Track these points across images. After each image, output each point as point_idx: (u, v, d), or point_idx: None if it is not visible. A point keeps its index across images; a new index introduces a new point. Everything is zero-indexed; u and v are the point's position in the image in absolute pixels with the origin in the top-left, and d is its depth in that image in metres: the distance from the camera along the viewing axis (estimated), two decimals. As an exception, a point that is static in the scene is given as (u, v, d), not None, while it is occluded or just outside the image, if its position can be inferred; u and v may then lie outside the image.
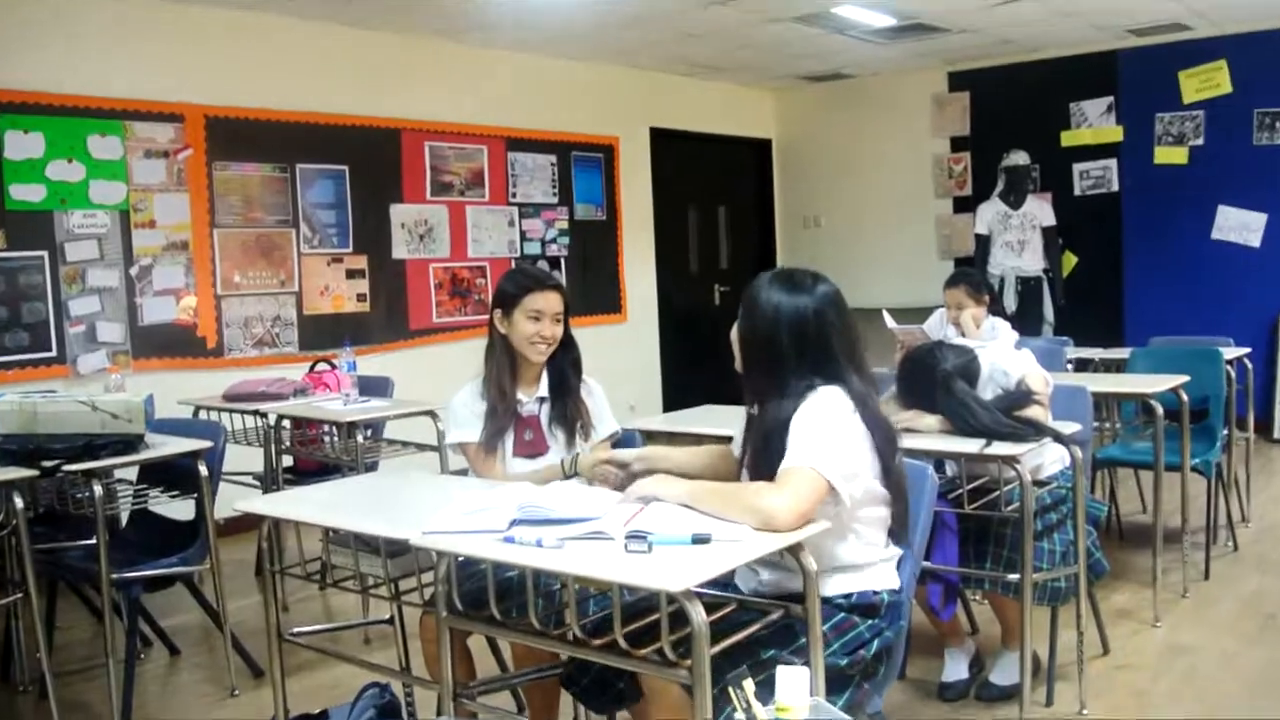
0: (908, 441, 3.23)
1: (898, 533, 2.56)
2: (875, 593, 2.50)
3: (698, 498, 2.37)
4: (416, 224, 7.18)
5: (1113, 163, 8.28)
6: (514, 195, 7.80)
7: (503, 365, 3.20)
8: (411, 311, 7.16)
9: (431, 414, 4.51)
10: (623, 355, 8.49)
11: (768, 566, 2.53)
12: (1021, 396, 3.36)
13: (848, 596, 2.50)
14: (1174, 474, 4.48)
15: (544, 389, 3.25)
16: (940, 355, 3.41)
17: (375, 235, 6.97)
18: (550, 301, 3.19)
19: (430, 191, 7.27)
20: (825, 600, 2.46)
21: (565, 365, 3.26)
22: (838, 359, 2.46)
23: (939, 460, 3.68)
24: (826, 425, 2.37)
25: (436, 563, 2.47)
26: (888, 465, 2.48)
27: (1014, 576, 3.31)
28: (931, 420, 3.36)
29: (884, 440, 2.46)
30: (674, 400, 8.71)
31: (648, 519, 2.31)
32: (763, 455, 2.44)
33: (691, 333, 9.15)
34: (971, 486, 3.27)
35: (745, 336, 2.52)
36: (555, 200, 8.09)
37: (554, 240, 8.08)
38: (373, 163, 6.95)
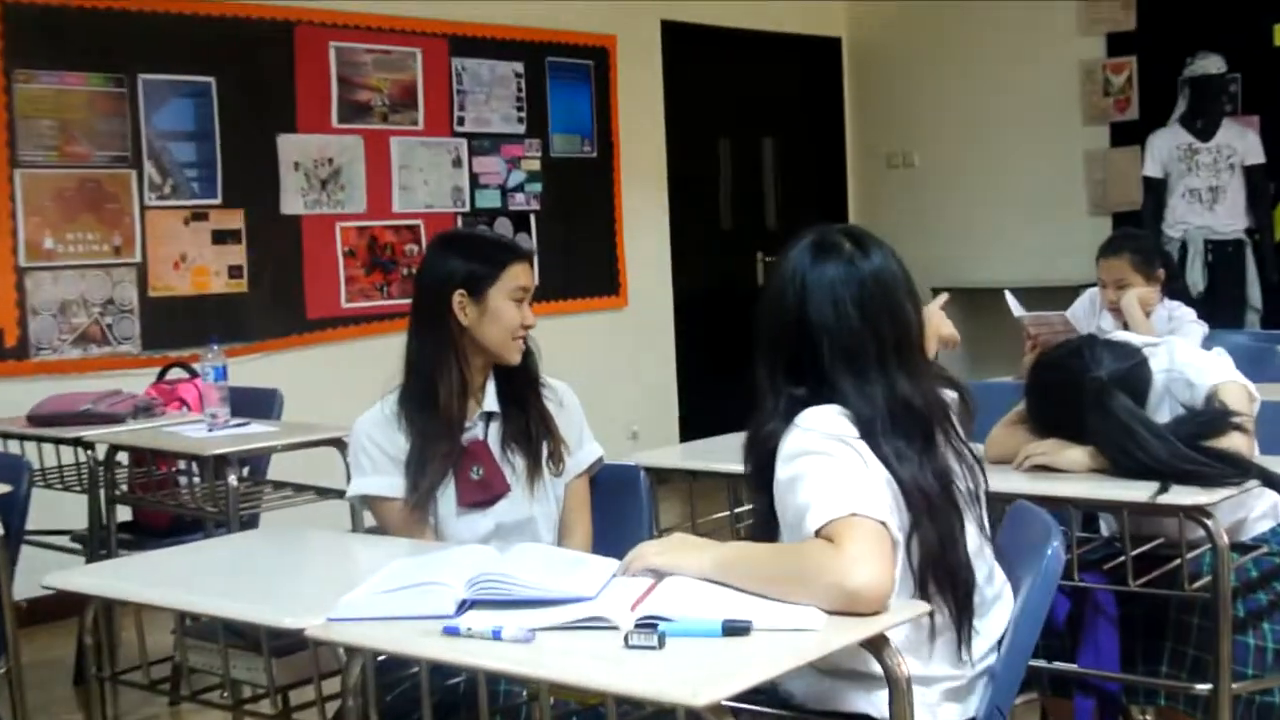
0: (1036, 485, 3.24)
1: (962, 642, 2.57)
2: None
3: (729, 567, 2.39)
4: (317, 164, 7.19)
5: (1353, 69, 8.29)
6: (461, 121, 7.82)
7: (457, 378, 3.23)
8: (310, 293, 7.16)
9: (339, 444, 4.50)
10: (620, 357, 8.50)
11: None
12: (1215, 419, 3.35)
13: None
14: None
15: (491, 401, 3.27)
16: (1091, 357, 3.41)
17: (255, 180, 6.98)
18: (530, 276, 3.27)
19: (338, 116, 7.28)
20: None
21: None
22: (866, 363, 2.53)
23: (1089, 513, 3.68)
24: (835, 461, 2.42)
25: (346, 664, 2.47)
26: (937, 536, 2.50)
27: (1204, 687, 3.30)
28: (1076, 454, 3.35)
29: (918, 493, 2.48)
30: (697, 422, 8.69)
31: (662, 599, 2.32)
32: (757, 495, 2.52)
33: (722, 323, 9.15)
34: (1138, 552, 3.26)
35: (755, 319, 2.62)
36: (522, 129, 8.10)
37: (520, 188, 8.09)
38: (252, 73, 6.95)
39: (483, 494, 3.23)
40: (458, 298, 3.21)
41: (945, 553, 2.51)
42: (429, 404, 3.21)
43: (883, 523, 2.35)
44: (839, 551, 2.30)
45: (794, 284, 2.58)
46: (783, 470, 2.46)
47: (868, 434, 2.48)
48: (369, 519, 4.05)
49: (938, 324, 3.22)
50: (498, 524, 3.25)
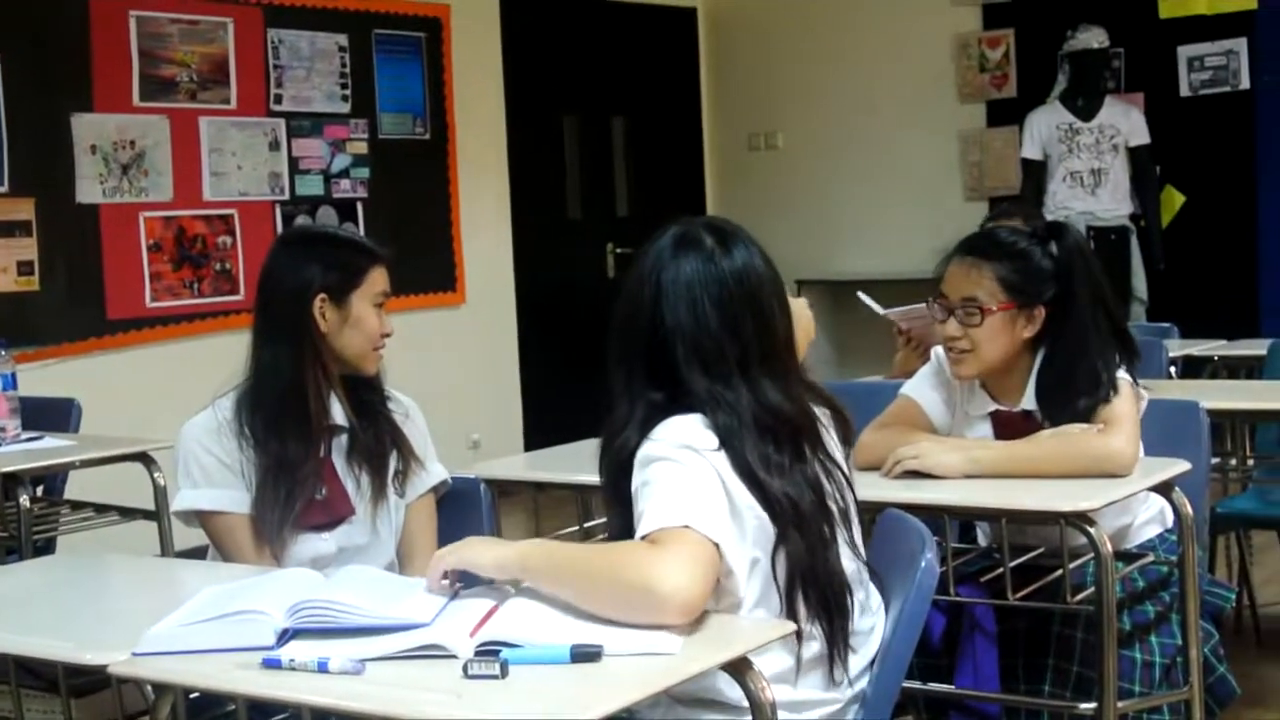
0: (908, 492, 3.29)
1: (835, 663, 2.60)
2: None
3: (528, 562, 2.42)
4: (117, 147, 7.09)
5: (1242, 45, 8.49)
6: (279, 99, 7.76)
7: (321, 388, 3.23)
8: (110, 291, 7.07)
9: (146, 459, 4.46)
10: (458, 360, 8.48)
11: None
12: (1094, 406, 3.45)
13: None
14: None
15: (339, 414, 3.28)
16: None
17: (47, 165, 6.87)
18: (388, 280, 3.32)
19: (139, 94, 7.19)
20: None
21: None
22: (727, 368, 2.56)
23: (966, 522, 3.74)
24: (683, 472, 2.45)
25: (154, 704, 2.44)
26: (806, 547, 2.53)
27: (1088, 706, 3.36)
28: (950, 458, 3.41)
29: (786, 501, 2.52)
30: (542, 431, 8.69)
31: (504, 623, 2.32)
32: (612, 506, 2.55)
33: (570, 323, 9.17)
34: (1018, 563, 3.31)
35: (610, 319, 2.64)
36: (347, 108, 8.06)
37: (345, 173, 8.05)
38: (41, 45, 6.84)
39: (325, 515, 3.23)
40: (319, 303, 3.21)
41: (815, 564, 2.54)
42: (285, 418, 3.21)
43: (716, 544, 2.37)
44: (657, 554, 2.33)
45: (650, 282, 2.60)
46: (635, 479, 2.48)
47: (728, 443, 2.50)
48: (180, 541, 4.01)
49: (807, 325, 3.27)
50: (339, 547, 3.25)
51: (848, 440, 2.79)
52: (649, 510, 2.40)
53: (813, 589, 2.54)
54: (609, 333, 2.65)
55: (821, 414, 2.72)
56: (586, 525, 3.71)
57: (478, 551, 2.47)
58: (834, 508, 2.61)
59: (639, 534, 2.39)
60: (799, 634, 2.51)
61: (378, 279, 3.29)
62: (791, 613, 2.52)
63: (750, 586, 2.50)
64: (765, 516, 2.50)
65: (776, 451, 2.54)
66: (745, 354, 2.57)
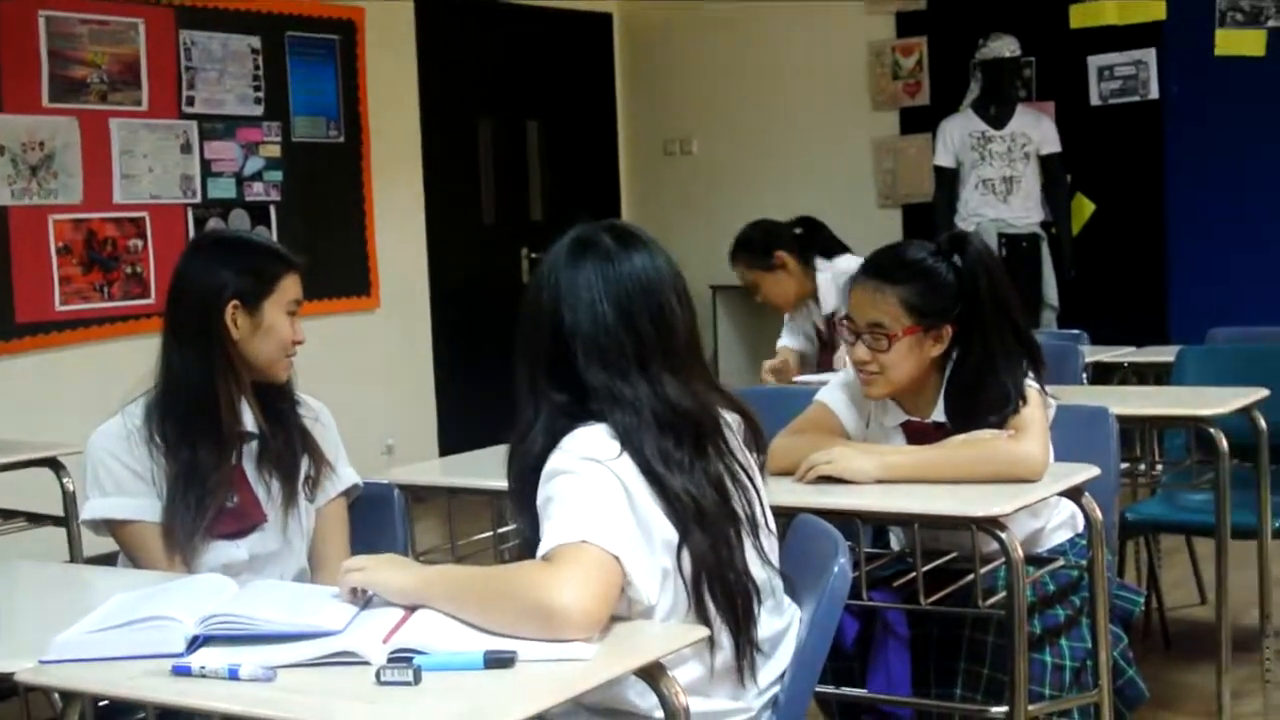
0: (821, 497, 3.30)
1: (743, 666, 2.62)
2: None
3: (433, 586, 2.43)
4: (26, 148, 7.03)
5: (1150, 55, 8.58)
6: (191, 101, 7.70)
7: (231, 395, 3.22)
8: (18, 294, 7.00)
9: (54, 464, 4.44)
10: (372, 364, 8.45)
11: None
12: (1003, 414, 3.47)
13: None
14: (1247, 542, 4.60)
15: (249, 420, 3.26)
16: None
17: (-46, 167, 6.80)
18: (301, 288, 3.31)
19: (49, 94, 7.12)
20: None
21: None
22: (625, 365, 2.58)
23: (879, 526, 3.76)
24: (584, 485, 2.47)
25: (62, 712, 2.42)
26: (709, 544, 2.55)
27: (999, 710, 3.38)
28: (863, 463, 3.43)
29: (686, 498, 2.53)
30: (457, 435, 8.68)
31: (417, 630, 2.32)
32: (521, 514, 2.56)
33: (484, 327, 9.15)
34: (930, 568, 3.33)
35: (515, 323, 2.67)
36: (260, 111, 8.02)
37: (258, 176, 8.01)
38: (-51, 45, 6.77)
39: (237, 524, 3.22)
40: (231, 309, 3.19)
41: (720, 563, 2.55)
42: (194, 424, 3.19)
43: (616, 557, 2.38)
44: (552, 571, 2.35)
45: (549, 284, 2.63)
46: (540, 494, 2.50)
47: (629, 442, 2.52)
48: (90, 548, 3.98)
49: None
50: (251, 554, 3.24)
51: (760, 447, 2.81)
52: (548, 528, 2.43)
53: (719, 588, 2.55)
54: (514, 337, 2.67)
55: (732, 419, 2.73)
56: (501, 531, 3.70)
57: (384, 576, 2.47)
58: (740, 511, 2.63)
59: (540, 553, 2.41)
60: (710, 642, 2.52)
61: (290, 287, 3.27)
62: (701, 614, 2.53)
63: (662, 598, 2.51)
64: (664, 524, 2.51)
65: (677, 448, 2.55)
66: (643, 351, 2.59)
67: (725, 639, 2.56)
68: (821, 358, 5.79)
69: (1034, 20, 8.66)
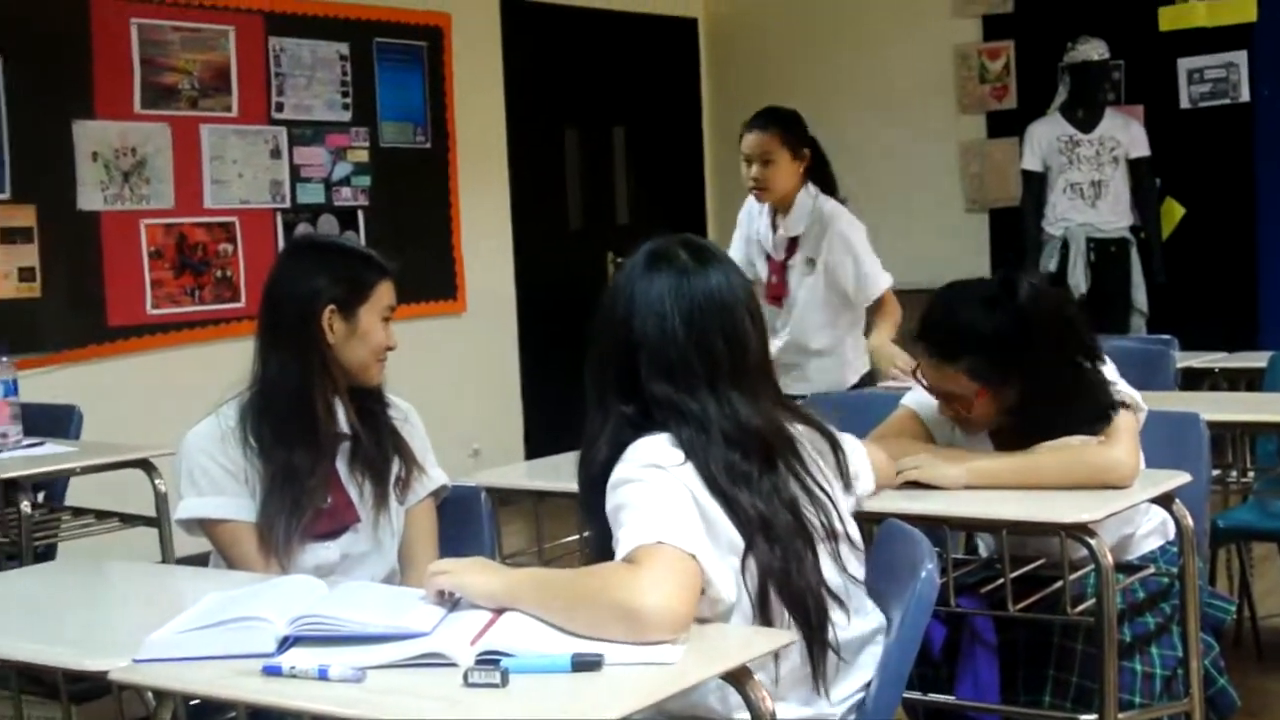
0: (908, 503, 3.29)
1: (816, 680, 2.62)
2: None
3: (517, 593, 2.43)
4: (118, 154, 7.10)
5: (1241, 57, 8.50)
6: (280, 108, 7.76)
7: (327, 398, 3.24)
8: (111, 298, 7.07)
9: (147, 465, 4.46)
10: (459, 368, 8.48)
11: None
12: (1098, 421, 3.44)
13: None
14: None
15: (343, 423, 3.28)
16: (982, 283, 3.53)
17: (48, 172, 6.87)
18: (394, 294, 3.34)
19: (141, 101, 7.19)
20: None
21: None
22: (694, 381, 2.59)
23: (967, 533, 3.74)
24: (650, 490, 2.48)
25: (154, 710, 2.44)
26: (779, 555, 2.55)
27: (1089, 717, 3.35)
28: (951, 470, 3.41)
29: (752, 510, 2.54)
30: (542, 439, 8.70)
31: (505, 633, 2.33)
32: (591, 521, 2.59)
33: (570, 331, 9.10)
34: (1018, 574, 3.31)
35: (589, 335, 2.70)
36: (348, 117, 8.06)
37: (346, 181, 8.05)
38: (42, 52, 6.84)
39: (330, 524, 3.24)
40: (327, 315, 3.22)
41: (787, 573, 2.55)
42: (291, 426, 3.21)
43: (692, 555, 2.39)
44: (634, 574, 2.36)
45: (623, 296, 2.65)
46: (609, 503, 2.51)
47: (693, 453, 2.53)
48: (181, 548, 4.01)
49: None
50: (343, 555, 3.26)
51: (843, 469, 2.78)
52: (624, 532, 2.44)
53: (785, 598, 2.55)
54: (586, 346, 2.70)
55: (812, 437, 2.73)
56: (586, 534, 3.71)
57: (472, 580, 2.48)
58: (816, 523, 2.62)
59: (618, 557, 2.42)
60: (775, 653, 2.52)
61: (385, 293, 3.30)
62: (764, 621, 2.54)
63: (731, 594, 2.52)
64: (732, 533, 2.53)
65: (744, 461, 2.56)
66: (714, 368, 2.61)
67: (796, 646, 2.56)
68: (771, 286, 5.63)
69: (1123, 23, 8.58)
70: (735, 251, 5.68)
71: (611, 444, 2.57)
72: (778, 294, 5.53)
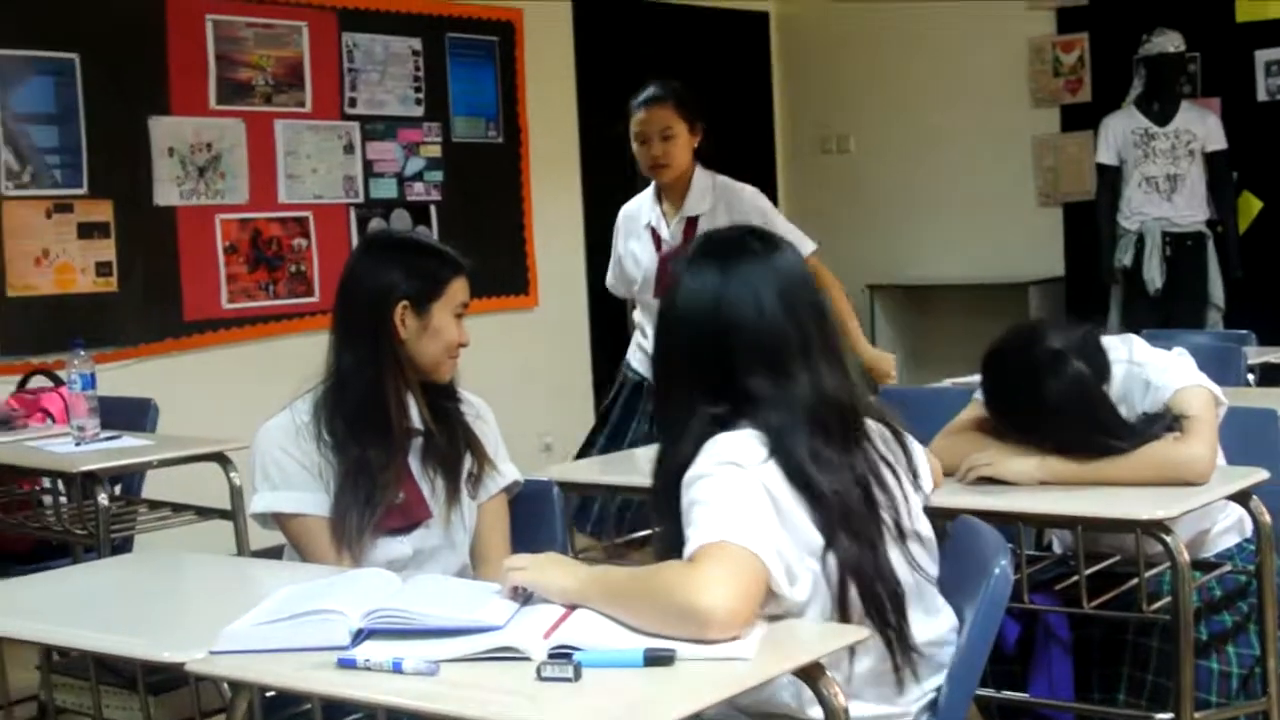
0: (981, 499, 3.27)
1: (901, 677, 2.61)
2: None
3: (589, 591, 2.44)
4: (194, 149, 7.14)
5: (1319, 49, 8.43)
6: (353, 103, 7.79)
7: (400, 393, 3.25)
8: (187, 292, 7.11)
9: (222, 459, 4.49)
10: (531, 362, 8.49)
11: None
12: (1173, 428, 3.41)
13: None
14: None
15: (415, 418, 3.30)
16: (1043, 332, 3.45)
17: (125, 168, 6.91)
18: (468, 291, 3.35)
19: (216, 97, 7.23)
20: None
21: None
22: (790, 359, 2.59)
23: (1040, 529, 3.72)
24: (722, 486, 2.47)
25: (230, 702, 2.46)
26: (858, 547, 2.54)
27: (1164, 716, 3.33)
28: (1025, 465, 3.39)
29: (834, 499, 2.53)
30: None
31: (578, 627, 2.33)
32: (663, 518, 2.59)
33: (642, 325, 9.16)
34: (1093, 571, 3.29)
35: (661, 334, 2.72)
36: (420, 112, 8.09)
37: (419, 176, 8.08)
38: (119, 49, 6.88)
39: (403, 519, 3.25)
40: (400, 311, 3.23)
41: (864, 564, 2.54)
42: (365, 422, 3.23)
43: (756, 554, 2.38)
44: (694, 571, 2.36)
45: (704, 289, 2.64)
46: (684, 499, 2.51)
47: (779, 445, 2.52)
48: (256, 541, 4.03)
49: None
50: (416, 550, 3.27)
51: (912, 465, 2.77)
52: (692, 531, 2.43)
53: (864, 589, 2.54)
54: (661, 348, 2.73)
55: (881, 432, 2.72)
56: (658, 529, 3.71)
57: (546, 576, 2.49)
58: (885, 515, 2.61)
59: (685, 555, 2.42)
60: (851, 647, 2.51)
61: (458, 290, 3.31)
62: (844, 619, 2.52)
63: (813, 603, 2.51)
64: (811, 531, 2.51)
65: (826, 445, 2.56)
66: (807, 342, 2.62)
67: (872, 643, 2.55)
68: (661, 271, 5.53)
69: (1199, 15, 8.50)
70: (612, 268, 5.68)
71: (695, 441, 2.56)
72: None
